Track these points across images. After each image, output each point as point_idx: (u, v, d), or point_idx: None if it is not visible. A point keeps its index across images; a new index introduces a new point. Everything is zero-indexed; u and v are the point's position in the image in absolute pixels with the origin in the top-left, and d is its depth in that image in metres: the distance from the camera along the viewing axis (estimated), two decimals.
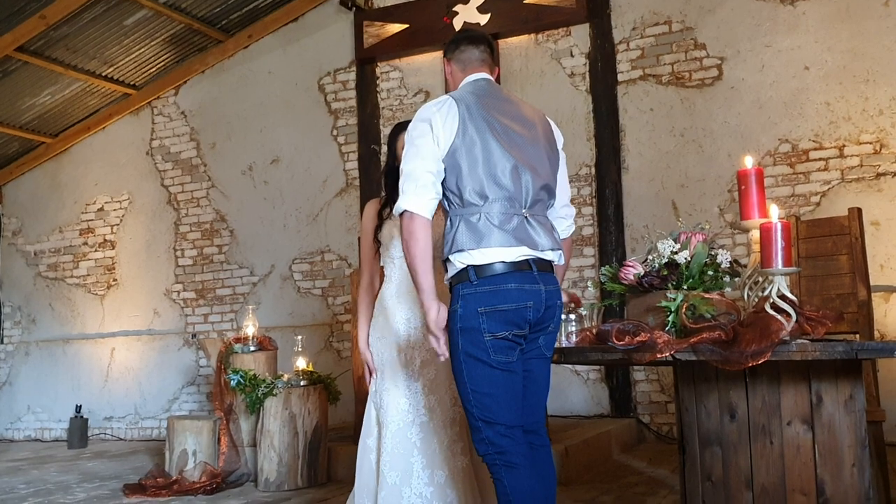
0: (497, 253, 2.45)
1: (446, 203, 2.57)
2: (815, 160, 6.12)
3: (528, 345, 2.53)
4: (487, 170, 2.49)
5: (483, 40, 2.79)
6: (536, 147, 2.61)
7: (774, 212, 2.37)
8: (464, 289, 2.47)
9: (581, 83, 6.86)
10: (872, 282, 3.91)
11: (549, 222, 2.63)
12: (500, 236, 2.46)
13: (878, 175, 5.94)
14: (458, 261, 2.49)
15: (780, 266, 2.29)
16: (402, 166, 2.55)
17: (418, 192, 2.47)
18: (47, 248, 8.99)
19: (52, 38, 7.13)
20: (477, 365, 2.46)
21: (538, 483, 2.45)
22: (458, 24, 7.10)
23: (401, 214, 2.51)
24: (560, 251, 2.63)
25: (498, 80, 2.86)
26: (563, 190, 2.75)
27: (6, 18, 6.65)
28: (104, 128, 8.73)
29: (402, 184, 2.51)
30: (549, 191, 2.62)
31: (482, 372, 2.46)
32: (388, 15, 7.45)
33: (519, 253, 2.47)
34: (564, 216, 2.76)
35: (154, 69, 8.17)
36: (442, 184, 2.53)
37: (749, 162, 2.54)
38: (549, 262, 2.57)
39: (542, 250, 2.52)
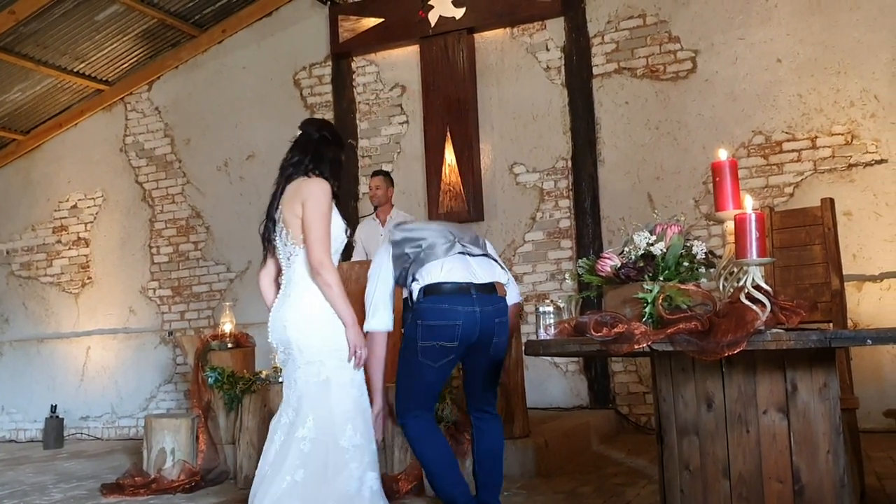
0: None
1: None
2: (788, 151, 6.18)
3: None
4: None
5: None
6: None
7: (749, 203, 2.39)
8: None
9: (556, 77, 6.88)
10: (845, 271, 3.96)
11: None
12: None
13: (850, 166, 6.01)
14: None
15: (754, 256, 2.31)
16: None
17: None
18: (20, 247, 8.88)
19: (22, 33, 7.03)
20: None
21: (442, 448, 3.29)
22: (433, 17, 7.09)
23: None
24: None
25: None
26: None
27: None
28: (76, 124, 8.63)
29: None
30: None
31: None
32: (363, 9, 7.43)
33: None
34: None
35: (127, 65, 8.09)
36: None
37: (723, 154, 2.56)
38: None
39: None
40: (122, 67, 8.10)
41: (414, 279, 3.23)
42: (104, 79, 8.18)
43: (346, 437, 3.05)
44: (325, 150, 3.26)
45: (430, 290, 3.16)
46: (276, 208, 3.24)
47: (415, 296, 3.21)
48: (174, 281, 8.17)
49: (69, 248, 8.64)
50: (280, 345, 3.18)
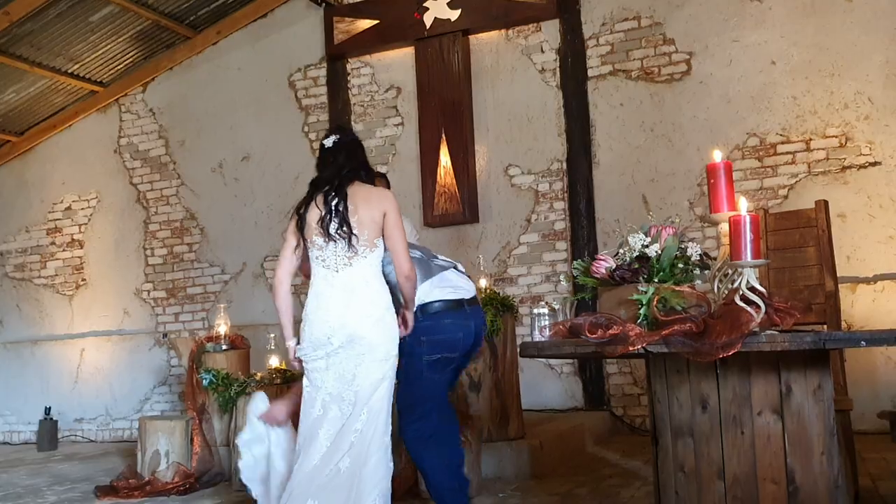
0: None
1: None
2: (782, 154, 6.20)
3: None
4: None
5: None
6: None
7: (743, 205, 2.40)
8: None
9: (551, 79, 6.89)
10: (839, 273, 3.97)
11: None
12: None
13: (844, 168, 6.03)
14: None
15: (749, 258, 2.32)
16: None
17: None
18: (14, 249, 8.85)
19: (17, 34, 7.01)
20: None
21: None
22: (428, 19, 7.09)
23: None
24: None
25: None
26: None
27: None
28: (71, 126, 8.61)
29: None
30: None
31: None
32: (358, 11, 7.43)
33: None
34: None
35: (121, 66, 8.07)
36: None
37: (718, 156, 2.57)
38: None
39: None
40: (116, 69, 8.09)
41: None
42: (98, 80, 8.17)
43: (388, 433, 3.23)
44: (366, 158, 3.47)
45: (426, 310, 3.39)
46: (346, 208, 3.24)
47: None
48: (168, 283, 8.15)
49: (63, 250, 8.62)
50: (346, 338, 3.17)
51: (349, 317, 3.17)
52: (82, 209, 8.57)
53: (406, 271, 3.26)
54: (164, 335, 8.09)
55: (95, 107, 8.47)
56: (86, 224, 8.55)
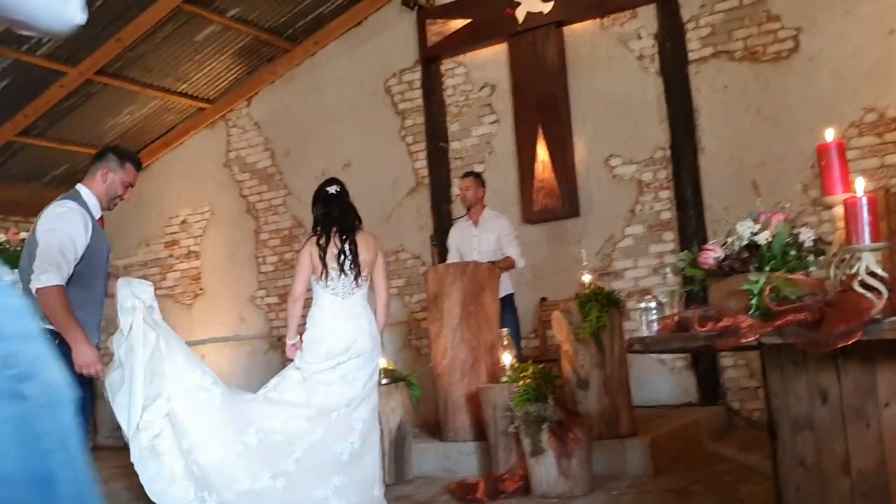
0: None
1: None
2: None
3: None
4: None
5: None
6: None
7: (860, 185, 2.27)
8: None
9: (650, 65, 6.72)
10: None
11: None
12: None
13: None
14: None
15: (867, 242, 2.19)
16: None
17: None
18: (135, 262, 9.31)
19: (129, 59, 7.37)
20: None
21: None
22: (521, 14, 7.04)
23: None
24: None
25: None
26: None
27: (86, 44, 6.90)
28: (182, 143, 8.99)
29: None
30: None
31: None
32: (449, 11, 7.45)
33: None
34: None
35: (226, 82, 8.37)
36: None
37: (830, 135, 2.44)
38: None
39: None
40: (221, 85, 8.39)
41: None
42: (205, 97, 8.49)
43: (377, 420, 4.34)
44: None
45: None
46: (357, 250, 4.12)
47: None
48: (280, 288, 8.40)
49: (181, 262, 9.01)
50: (355, 351, 4.07)
51: (359, 335, 4.06)
52: (197, 222, 8.94)
53: (388, 299, 4.36)
54: (279, 339, 8.34)
55: (204, 123, 8.81)
56: (201, 236, 8.91)
